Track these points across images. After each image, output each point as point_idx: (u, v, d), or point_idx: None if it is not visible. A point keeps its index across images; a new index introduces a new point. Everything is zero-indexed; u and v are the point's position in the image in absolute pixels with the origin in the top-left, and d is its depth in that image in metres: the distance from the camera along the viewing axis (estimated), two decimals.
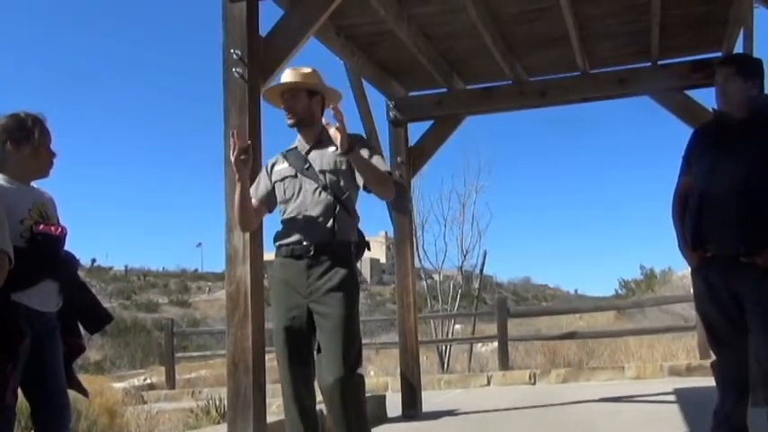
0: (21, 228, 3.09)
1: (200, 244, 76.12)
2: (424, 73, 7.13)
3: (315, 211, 3.54)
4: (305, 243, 3.52)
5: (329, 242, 3.51)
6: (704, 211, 3.59)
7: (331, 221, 3.52)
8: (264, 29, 4.44)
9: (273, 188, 3.71)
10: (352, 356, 3.41)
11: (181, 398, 11.41)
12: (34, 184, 3.34)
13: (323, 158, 3.62)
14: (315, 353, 3.49)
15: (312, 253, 3.50)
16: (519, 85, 7.38)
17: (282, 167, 3.70)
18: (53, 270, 3.19)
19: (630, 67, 7.25)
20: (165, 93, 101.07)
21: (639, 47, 6.89)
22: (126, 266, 51.97)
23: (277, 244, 3.65)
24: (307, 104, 3.65)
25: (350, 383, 3.37)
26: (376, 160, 3.59)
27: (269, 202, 3.73)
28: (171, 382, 13.22)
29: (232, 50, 4.22)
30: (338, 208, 3.55)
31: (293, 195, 3.61)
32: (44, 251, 3.13)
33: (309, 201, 3.56)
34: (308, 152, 3.67)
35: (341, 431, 3.38)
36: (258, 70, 4.24)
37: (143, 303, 41.80)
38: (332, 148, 3.60)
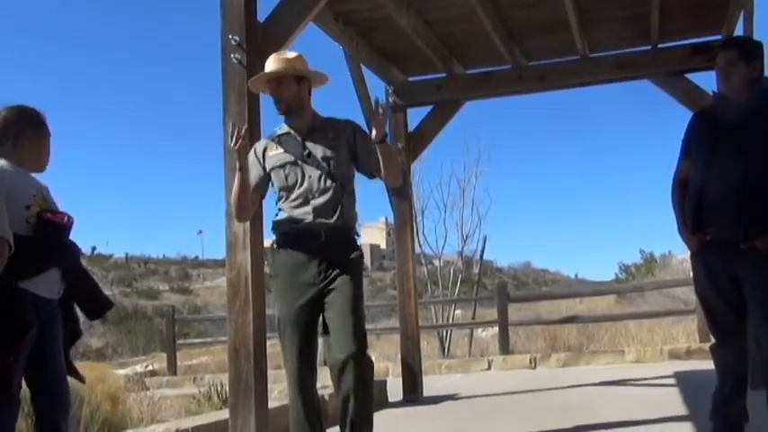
0: (27, 213, 3.10)
1: (200, 231, 76.10)
2: (424, 58, 7.11)
3: (322, 198, 3.53)
4: (314, 230, 3.50)
5: (336, 228, 3.51)
6: (704, 197, 3.59)
7: (339, 208, 3.52)
8: (263, 15, 4.42)
9: (268, 175, 3.66)
10: (362, 336, 3.42)
11: (182, 384, 11.44)
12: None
13: (324, 145, 3.59)
14: (322, 336, 3.48)
15: (322, 239, 3.49)
16: (518, 69, 7.36)
17: (278, 153, 3.65)
18: (60, 258, 3.21)
19: (630, 50, 7.22)
20: (164, 81, 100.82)
21: (639, 30, 6.86)
22: (126, 254, 52.08)
23: (281, 231, 3.62)
24: (296, 91, 3.60)
25: (361, 359, 3.39)
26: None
27: (262, 188, 3.71)
28: (172, 368, 13.27)
29: (230, 36, 4.20)
30: (343, 194, 3.56)
31: (296, 182, 3.58)
32: (51, 239, 3.15)
33: (315, 188, 3.54)
34: (304, 138, 3.63)
35: (349, 406, 3.37)
36: (257, 56, 4.21)
37: (144, 291, 41.86)
38: (331, 135, 3.59)
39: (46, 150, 3.34)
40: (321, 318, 3.53)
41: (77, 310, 3.45)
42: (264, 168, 3.67)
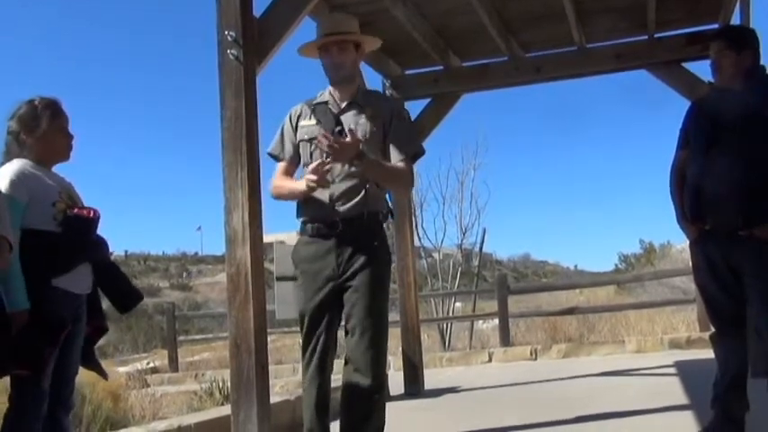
0: (53, 210, 3.15)
1: (199, 228, 75.83)
2: (421, 51, 7.10)
3: (344, 184, 3.28)
4: (334, 219, 3.27)
5: (360, 216, 3.27)
6: (702, 188, 3.58)
7: (363, 194, 3.28)
8: (258, 9, 4.41)
9: (298, 145, 3.38)
10: (378, 352, 3.24)
11: (184, 381, 11.47)
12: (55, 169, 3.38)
13: (358, 124, 3.32)
14: (345, 333, 3.34)
15: (340, 229, 3.26)
16: (515, 61, 7.34)
17: (309, 124, 3.36)
18: (89, 253, 3.26)
19: (627, 41, 7.20)
20: (162, 76, 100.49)
21: (635, 20, 6.84)
22: (126, 251, 51.90)
23: (301, 220, 3.39)
24: (355, 59, 3.40)
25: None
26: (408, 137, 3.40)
27: (296, 161, 3.43)
28: (174, 365, 13.31)
29: (226, 32, 4.18)
30: (368, 182, 3.30)
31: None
32: (80, 234, 3.20)
33: (338, 171, 3.27)
34: (340, 112, 3.38)
35: (363, 392, 3.21)
36: (253, 51, 4.21)
37: (144, 288, 41.64)
38: (369, 113, 3.35)
39: (59, 138, 3.33)
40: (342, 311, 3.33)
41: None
42: (296, 137, 3.39)
